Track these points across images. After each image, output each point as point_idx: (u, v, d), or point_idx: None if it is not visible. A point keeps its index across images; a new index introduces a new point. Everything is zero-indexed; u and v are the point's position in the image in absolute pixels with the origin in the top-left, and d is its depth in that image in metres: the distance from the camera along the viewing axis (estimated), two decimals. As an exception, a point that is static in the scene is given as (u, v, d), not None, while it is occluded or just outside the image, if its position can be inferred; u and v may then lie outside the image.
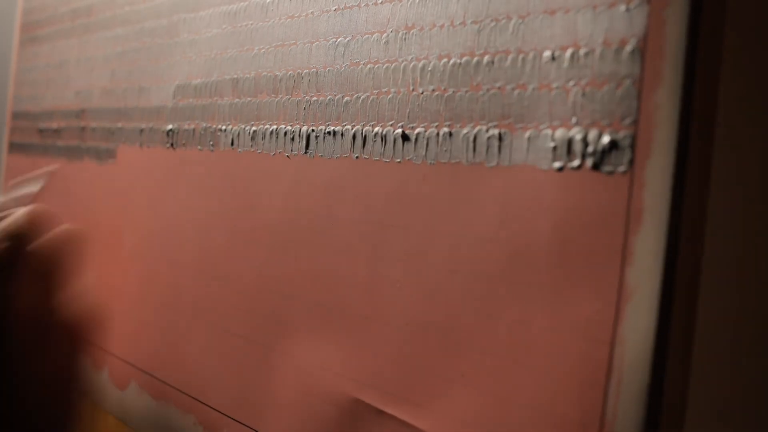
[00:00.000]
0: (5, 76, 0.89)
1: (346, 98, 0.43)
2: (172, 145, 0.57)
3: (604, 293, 0.30)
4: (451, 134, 0.37)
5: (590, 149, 0.31)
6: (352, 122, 0.42)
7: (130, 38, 0.64)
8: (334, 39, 0.44)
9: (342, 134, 0.43)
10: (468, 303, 0.36)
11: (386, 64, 0.41)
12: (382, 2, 0.41)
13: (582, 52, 0.32)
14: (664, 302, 0.29)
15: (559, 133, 0.33)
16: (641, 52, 0.30)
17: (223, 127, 0.52)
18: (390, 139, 0.40)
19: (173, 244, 0.56)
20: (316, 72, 0.45)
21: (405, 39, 0.40)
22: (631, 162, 0.30)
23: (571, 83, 0.32)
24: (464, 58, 0.37)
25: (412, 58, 0.39)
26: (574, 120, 0.32)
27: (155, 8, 0.61)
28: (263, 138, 0.48)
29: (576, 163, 0.32)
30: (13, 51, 0.87)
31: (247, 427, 0.48)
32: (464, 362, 0.35)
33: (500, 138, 0.35)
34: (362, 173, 0.41)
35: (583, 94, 0.32)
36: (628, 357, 0.30)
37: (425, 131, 0.38)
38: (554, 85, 0.33)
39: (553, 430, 0.32)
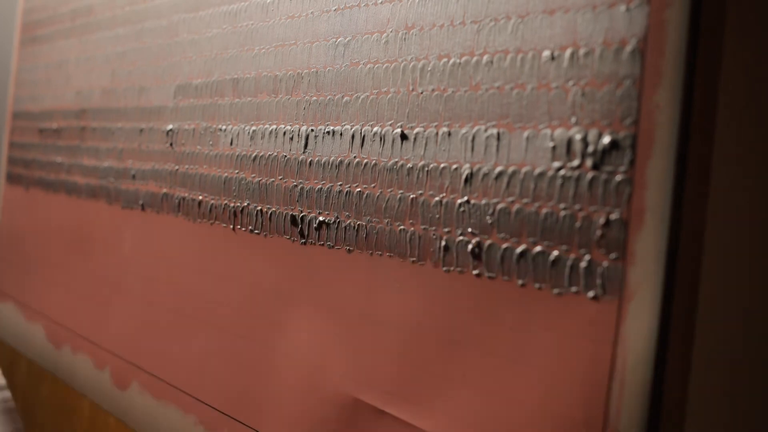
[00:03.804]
0: (6, 76, 0.89)
1: (345, 98, 0.43)
2: (171, 144, 0.57)
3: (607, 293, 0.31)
4: (449, 134, 0.37)
5: (590, 149, 0.31)
6: (351, 122, 0.42)
7: (131, 38, 0.64)
8: (334, 39, 0.44)
9: (341, 134, 0.43)
10: (469, 302, 0.36)
11: (386, 64, 0.41)
12: (382, 2, 0.41)
13: (581, 52, 0.32)
14: (666, 301, 0.29)
15: (558, 132, 0.32)
16: (641, 52, 0.30)
17: (223, 127, 0.52)
18: (389, 138, 0.40)
19: (174, 245, 0.56)
20: (316, 72, 0.45)
21: (405, 39, 0.40)
22: (632, 162, 0.30)
23: (571, 83, 0.32)
24: (464, 58, 0.37)
25: (412, 58, 0.39)
26: (573, 120, 0.32)
27: (155, 8, 0.61)
28: (262, 138, 0.48)
29: (576, 162, 0.32)
30: (13, 51, 0.87)
31: (248, 426, 0.48)
32: (465, 362, 0.35)
33: (498, 137, 0.35)
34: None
35: (583, 94, 0.32)
36: (630, 356, 0.30)
37: (424, 131, 0.38)
38: (553, 84, 0.33)
39: (556, 431, 0.31)
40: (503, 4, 0.35)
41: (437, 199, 0.37)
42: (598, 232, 0.31)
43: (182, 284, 0.55)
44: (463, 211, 0.36)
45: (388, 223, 0.40)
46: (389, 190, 0.40)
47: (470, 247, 0.36)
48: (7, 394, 0.50)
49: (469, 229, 0.36)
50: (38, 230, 0.78)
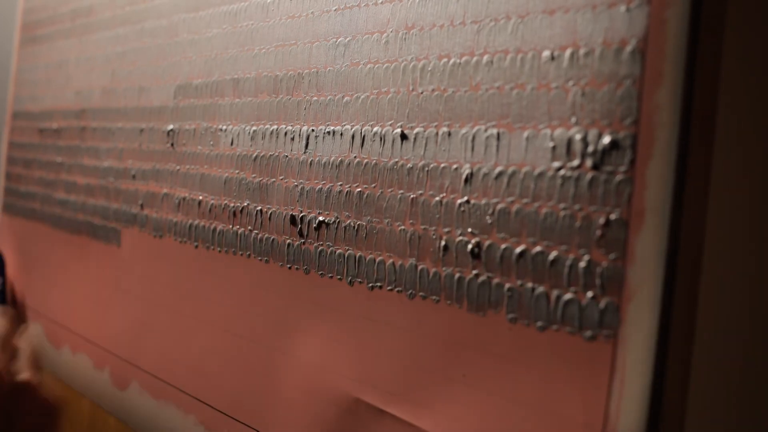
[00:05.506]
0: (6, 76, 0.89)
1: (346, 98, 0.43)
2: (172, 145, 0.57)
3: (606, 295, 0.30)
4: (449, 134, 0.37)
5: (590, 149, 0.31)
6: (351, 122, 0.42)
7: (131, 38, 0.64)
8: (335, 39, 0.44)
9: (341, 134, 0.43)
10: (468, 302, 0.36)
11: (386, 64, 0.41)
12: (382, 2, 0.41)
13: (581, 52, 0.32)
14: (666, 301, 0.29)
15: (558, 132, 0.32)
16: (642, 52, 0.30)
17: (224, 127, 0.52)
18: (389, 138, 0.40)
19: (175, 244, 0.56)
20: (317, 72, 0.45)
21: (405, 39, 0.40)
22: (632, 162, 0.30)
23: (571, 83, 0.32)
24: (464, 58, 0.37)
25: (412, 58, 0.39)
26: (573, 120, 0.32)
27: (155, 8, 0.61)
28: (263, 138, 0.48)
29: (576, 162, 0.32)
30: (13, 51, 0.87)
31: (248, 426, 0.48)
32: (465, 362, 0.35)
33: (498, 137, 0.35)
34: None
35: (583, 94, 0.32)
36: (630, 356, 0.30)
37: (424, 131, 0.38)
38: (553, 84, 0.33)
39: (556, 430, 0.31)
40: (503, 4, 0.35)
41: (437, 199, 0.37)
42: (598, 232, 0.31)
43: (182, 284, 0.55)
44: (463, 211, 0.36)
45: (388, 223, 0.40)
46: (389, 190, 0.40)
47: (470, 246, 0.36)
48: None
49: (469, 229, 0.36)
50: (38, 230, 0.78)
